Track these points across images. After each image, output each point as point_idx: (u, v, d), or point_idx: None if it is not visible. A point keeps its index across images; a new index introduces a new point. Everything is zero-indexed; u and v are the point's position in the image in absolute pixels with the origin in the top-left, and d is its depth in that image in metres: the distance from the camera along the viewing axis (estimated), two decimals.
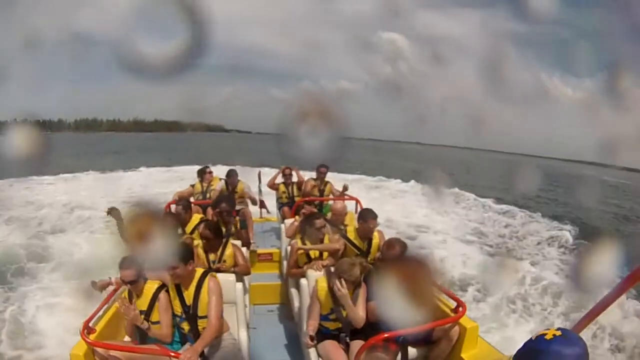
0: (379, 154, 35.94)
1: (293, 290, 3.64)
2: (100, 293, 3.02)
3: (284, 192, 5.72)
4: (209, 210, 4.59)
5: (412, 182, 17.10)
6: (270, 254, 4.91)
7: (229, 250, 3.37)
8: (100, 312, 2.68)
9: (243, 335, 2.88)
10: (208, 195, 5.32)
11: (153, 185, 14.66)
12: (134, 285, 2.51)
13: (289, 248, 3.68)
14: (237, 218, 4.32)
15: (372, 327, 2.48)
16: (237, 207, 4.62)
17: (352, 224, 3.79)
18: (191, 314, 2.50)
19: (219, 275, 2.68)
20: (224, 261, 3.33)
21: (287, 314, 4.02)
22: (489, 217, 12.58)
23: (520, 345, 1.05)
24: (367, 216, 3.41)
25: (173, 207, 4.43)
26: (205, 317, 2.48)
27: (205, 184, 5.48)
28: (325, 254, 3.45)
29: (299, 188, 5.68)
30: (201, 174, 5.55)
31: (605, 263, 1.37)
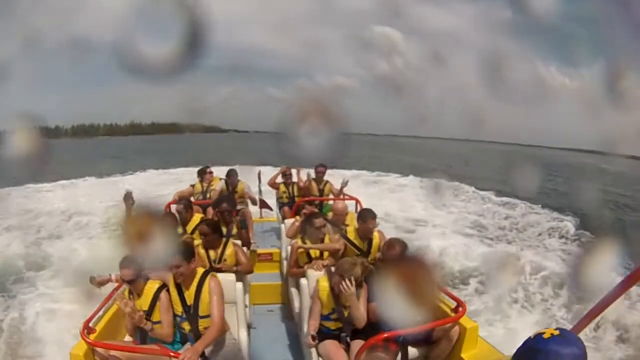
0: (376, 148, 35.92)
1: (293, 290, 3.64)
2: (99, 290, 3.00)
3: (284, 192, 5.72)
4: (209, 210, 4.60)
5: (411, 176, 17.11)
6: (270, 254, 4.91)
7: (229, 250, 3.37)
8: (101, 312, 2.69)
9: (243, 335, 2.88)
10: (208, 195, 5.34)
11: (151, 189, 14.63)
12: (133, 284, 2.52)
13: (289, 248, 3.68)
14: (237, 218, 4.32)
15: (372, 327, 2.48)
16: (237, 207, 4.63)
17: (352, 224, 3.80)
18: (192, 313, 2.50)
19: (219, 275, 2.68)
20: (225, 260, 3.33)
21: (287, 314, 4.02)
22: (488, 208, 12.56)
23: (522, 340, 1.05)
24: (366, 216, 3.43)
25: (173, 207, 4.45)
26: (205, 317, 2.49)
27: (205, 184, 5.49)
28: (325, 254, 3.44)
29: (300, 188, 5.67)
30: (201, 174, 5.57)
31: (606, 263, 1.35)
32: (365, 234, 3.45)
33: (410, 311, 1.75)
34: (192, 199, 5.10)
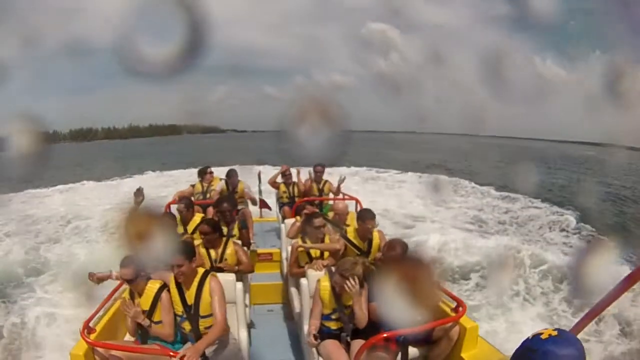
0: (374, 145, 35.92)
1: (293, 290, 3.64)
2: (98, 287, 2.96)
3: (284, 192, 5.70)
4: (210, 210, 4.59)
5: (410, 173, 17.10)
6: (271, 254, 4.91)
7: (230, 250, 3.36)
8: (101, 312, 2.68)
9: (243, 335, 2.87)
10: (208, 195, 5.33)
11: (150, 191, 14.56)
12: (133, 284, 2.52)
13: (289, 248, 3.68)
14: (238, 217, 4.31)
15: (373, 327, 2.47)
16: (237, 207, 4.60)
17: (353, 224, 3.79)
18: (192, 313, 2.50)
19: (219, 275, 2.68)
20: (226, 259, 3.33)
21: (288, 314, 4.02)
22: (487, 203, 12.55)
23: (523, 334, 1.05)
24: (365, 217, 3.43)
25: (173, 207, 4.44)
26: (206, 316, 2.49)
27: (205, 184, 5.48)
28: (326, 254, 3.44)
29: (300, 190, 5.66)
30: (202, 174, 5.56)
31: (606, 263, 1.34)
32: (364, 234, 3.46)
33: (410, 311, 1.74)
34: (192, 199, 5.10)
